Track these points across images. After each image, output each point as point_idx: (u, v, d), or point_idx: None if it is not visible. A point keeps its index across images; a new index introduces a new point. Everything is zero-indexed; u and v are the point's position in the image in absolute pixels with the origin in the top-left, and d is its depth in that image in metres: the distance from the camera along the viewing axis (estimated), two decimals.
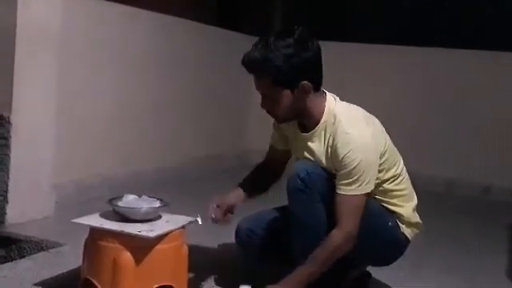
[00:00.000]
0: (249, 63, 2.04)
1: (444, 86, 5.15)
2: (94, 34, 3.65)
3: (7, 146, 2.91)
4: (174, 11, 4.38)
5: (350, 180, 2.00)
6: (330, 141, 2.06)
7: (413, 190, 2.27)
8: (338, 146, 2.02)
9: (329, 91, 2.17)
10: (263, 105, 2.11)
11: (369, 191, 2.05)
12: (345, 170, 2.01)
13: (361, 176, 2.00)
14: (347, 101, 2.20)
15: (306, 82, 2.03)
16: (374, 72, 5.31)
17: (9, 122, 2.90)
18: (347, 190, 2.01)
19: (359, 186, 2.01)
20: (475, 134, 5.04)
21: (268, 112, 2.13)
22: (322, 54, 2.06)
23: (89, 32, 3.61)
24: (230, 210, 2.25)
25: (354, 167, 1.99)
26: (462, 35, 5.19)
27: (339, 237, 2.01)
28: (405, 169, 2.23)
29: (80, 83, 3.57)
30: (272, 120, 2.23)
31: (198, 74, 4.81)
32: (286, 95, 2.04)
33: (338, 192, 2.03)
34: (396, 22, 5.46)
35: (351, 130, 2.03)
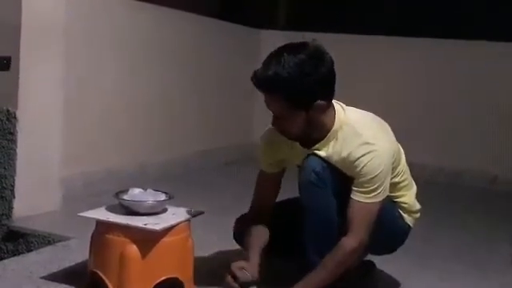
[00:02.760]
0: (262, 82, 1.94)
1: (450, 76, 5.13)
2: (98, 27, 3.66)
3: (14, 141, 2.92)
4: (177, 4, 4.38)
5: (369, 188, 1.98)
6: (344, 151, 2.01)
7: (411, 178, 2.28)
8: (358, 156, 1.97)
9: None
10: (275, 124, 2.04)
11: (384, 197, 2.03)
12: (364, 179, 1.98)
13: (380, 184, 1.99)
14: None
15: (321, 101, 1.96)
16: (378, 63, 5.29)
17: (15, 117, 2.91)
18: (364, 197, 1.99)
19: (378, 193, 1.99)
20: (482, 123, 5.02)
21: (280, 132, 2.06)
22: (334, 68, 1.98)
23: (93, 25, 3.61)
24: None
25: (374, 176, 1.97)
26: (471, 25, 5.15)
27: (351, 244, 1.99)
28: (404, 159, 2.23)
29: (86, 76, 3.58)
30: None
31: (202, 67, 4.82)
32: (300, 116, 1.96)
33: (354, 198, 2.00)
34: (404, 12, 5.43)
35: (369, 140, 1.99)
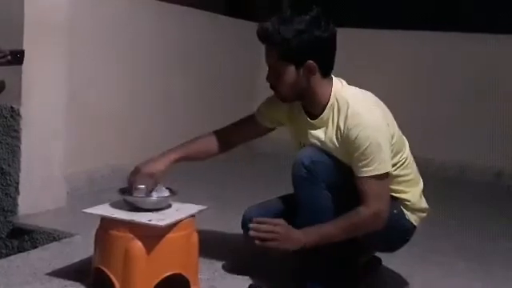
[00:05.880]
0: (260, 32, 2.05)
1: (455, 71, 5.12)
2: (102, 23, 3.65)
3: (18, 138, 2.93)
4: (181, 0, 4.39)
5: (367, 161, 1.98)
6: (341, 124, 2.03)
7: (418, 175, 2.26)
8: (350, 127, 2.00)
9: (342, 78, 2.15)
10: (268, 78, 2.11)
11: (389, 170, 2.02)
12: (359, 151, 1.98)
13: (377, 155, 1.98)
14: (358, 86, 2.20)
15: (312, 61, 2.03)
16: (384, 58, 5.29)
17: (19, 115, 2.92)
18: (367, 171, 1.99)
19: (378, 164, 1.98)
20: (486, 118, 5.01)
21: (271, 87, 2.13)
22: (336, 41, 2.06)
23: (97, 21, 3.61)
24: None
25: (367, 146, 1.97)
26: (474, 20, 5.14)
27: (365, 213, 1.99)
28: (410, 153, 2.21)
29: (90, 73, 3.58)
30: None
31: (206, 63, 4.82)
32: (291, 71, 2.04)
33: (359, 175, 2.00)
34: (411, 6, 5.43)
35: (361, 111, 2.01)
